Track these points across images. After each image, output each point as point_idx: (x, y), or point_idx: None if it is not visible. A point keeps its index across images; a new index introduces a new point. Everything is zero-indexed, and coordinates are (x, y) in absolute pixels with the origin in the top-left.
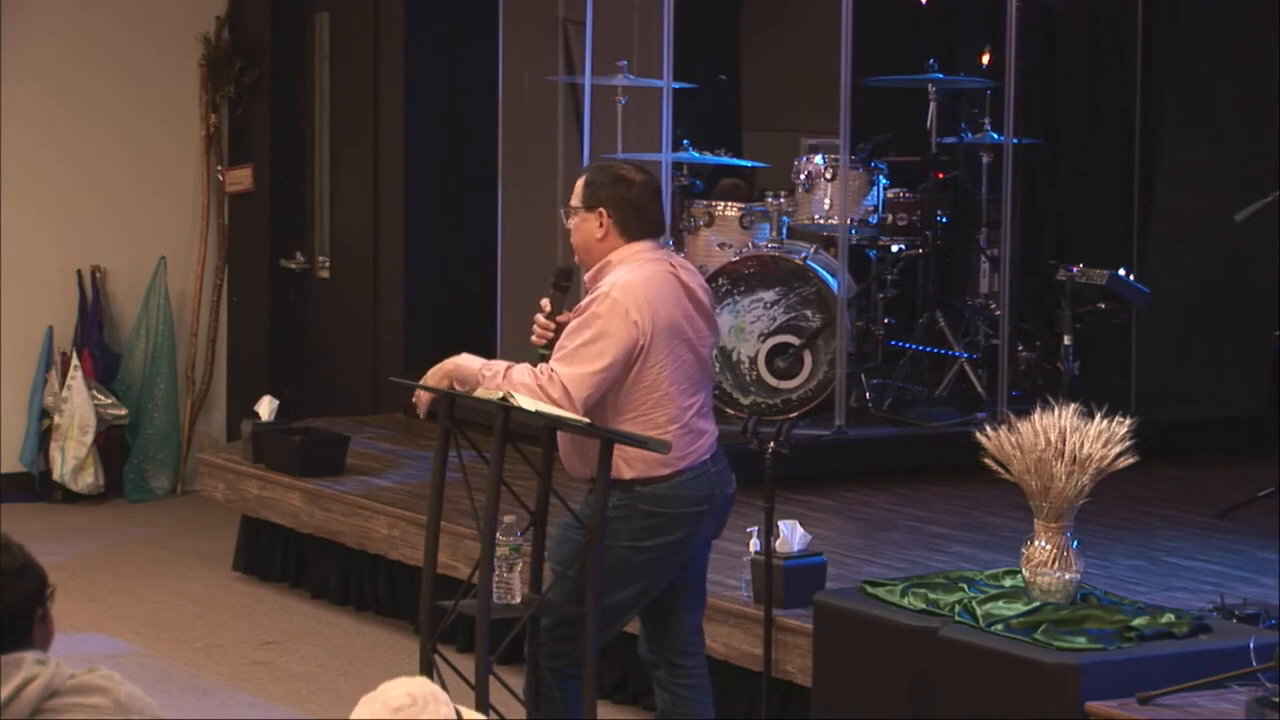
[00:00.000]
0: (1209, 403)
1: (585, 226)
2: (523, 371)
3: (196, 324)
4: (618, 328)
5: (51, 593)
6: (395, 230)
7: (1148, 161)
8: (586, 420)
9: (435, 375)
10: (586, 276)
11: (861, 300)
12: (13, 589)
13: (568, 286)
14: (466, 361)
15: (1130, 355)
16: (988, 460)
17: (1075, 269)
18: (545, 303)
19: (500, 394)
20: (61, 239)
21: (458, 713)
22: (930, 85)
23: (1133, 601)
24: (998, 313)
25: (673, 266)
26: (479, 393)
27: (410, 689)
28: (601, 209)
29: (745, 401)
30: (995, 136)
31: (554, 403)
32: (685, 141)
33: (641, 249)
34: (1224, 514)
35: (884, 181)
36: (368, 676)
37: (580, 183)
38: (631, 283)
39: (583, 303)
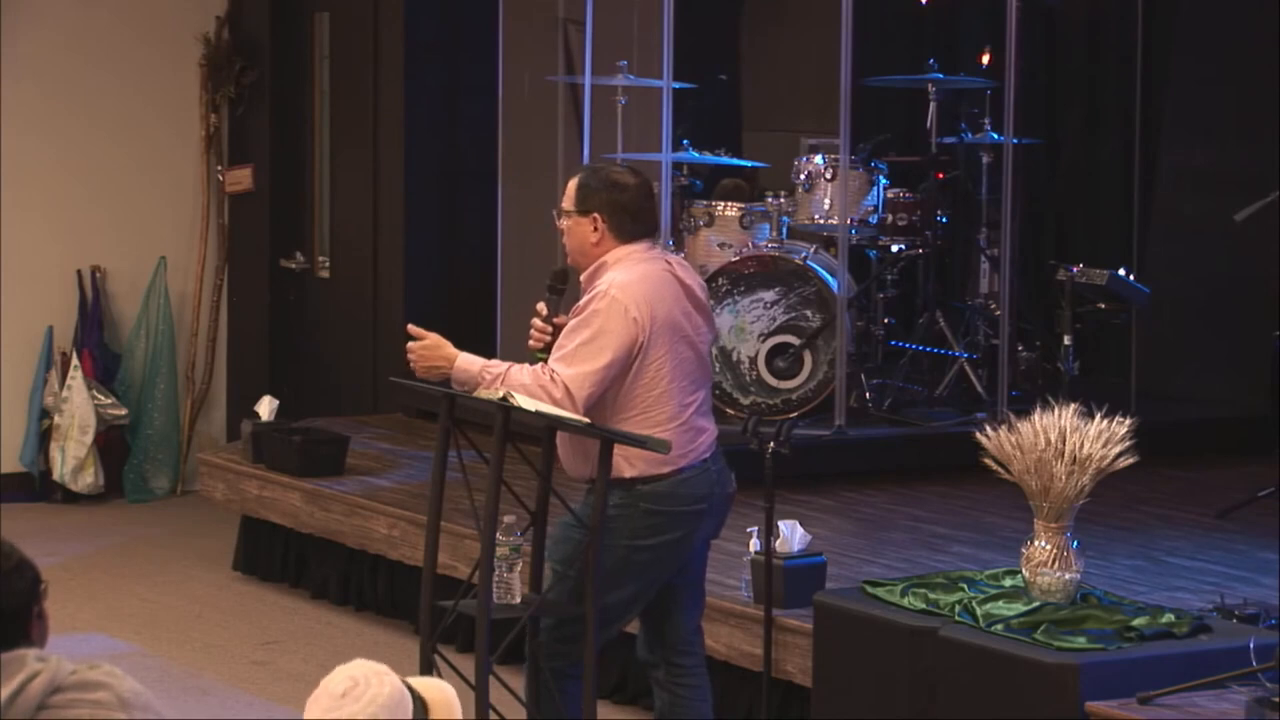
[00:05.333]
0: (1209, 403)
1: (579, 230)
2: (523, 372)
3: (196, 324)
4: (617, 325)
5: (45, 589)
6: (395, 230)
7: (1148, 161)
8: (586, 420)
9: (433, 356)
10: (582, 277)
11: (861, 300)
12: (10, 587)
13: (563, 289)
14: (467, 363)
15: (1130, 355)
16: (988, 460)
17: (1075, 269)
18: (541, 306)
19: (500, 394)
20: (61, 239)
21: (406, 683)
22: (930, 85)
23: (1133, 601)
24: (998, 313)
25: (669, 264)
26: (479, 393)
27: (351, 672)
28: (596, 214)
29: (745, 401)
30: (995, 136)
31: (556, 403)
32: (685, 141)
33: (636, 249)
34: (1224, 514)
35: (884, 181)
36: None
37: (572, 186)
38: (629, 281)
39: (581, 302)
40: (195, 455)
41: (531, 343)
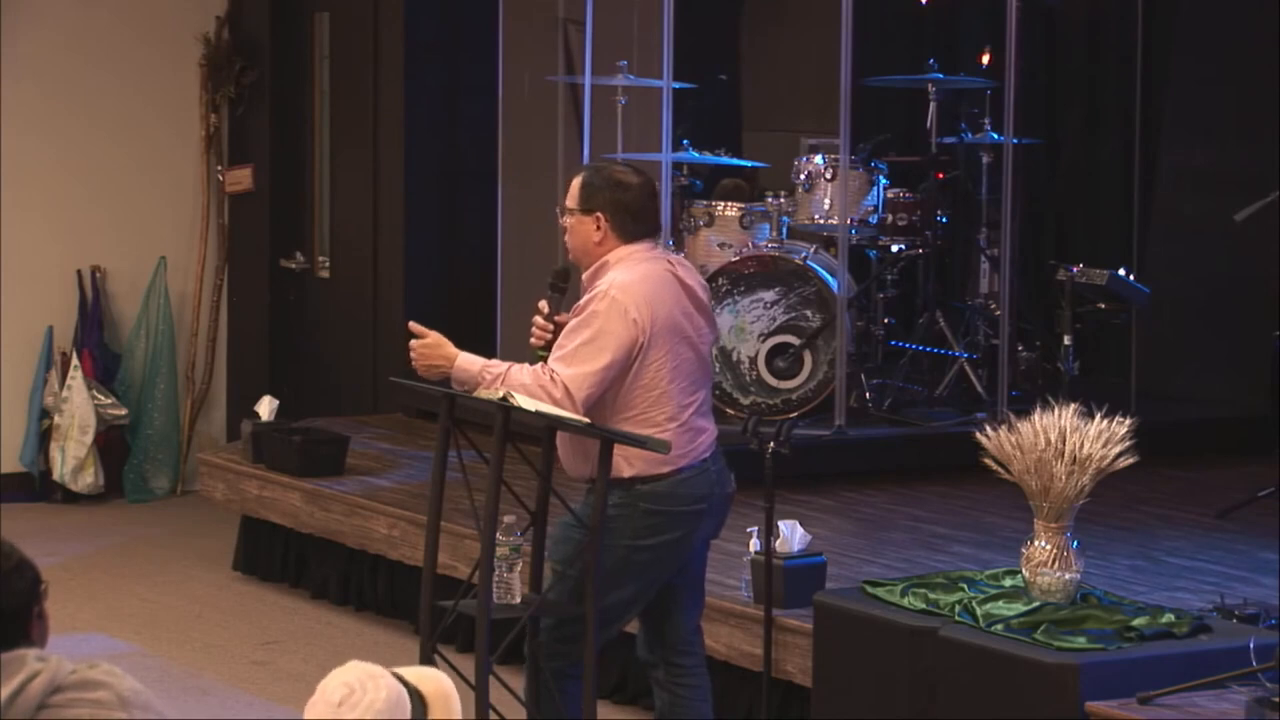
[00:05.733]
0: (1209, 403)
1: (582, 229)
2: (523, 372)
3: (196, 324)
4: (617, 326)
5: (45, 589)
6: (395, 230)
7: (1148, 161)
8: (586, 420)
9: (434, 355)
10: (584, 277)
11: (861, 300)
12: (10, 586)
13: (565, 288)
14: (467, 362)
15: (1130, 355)
16: (988, 460)
17: (1075, 269)
18: (543, 304)
19: (500, 394)
20: (61, 239)
21: (401, 678)
22: (930, 85)
23: (1133, 601)
24: (998, 313)
25: (671, 265)
26: (479, 392)
27: (345, 678)
28: (599, 213)
29: (745, 401)
30: (995, 136)
31: (555, 403)
32: (685, 141)
33: (638, 249)
34: (1224, 514)
35: (884, 181)
36: None
37: (576, 184)
38: (630, 281)
39: (581, 302)
40: (195, 455)
41: (533, 340)
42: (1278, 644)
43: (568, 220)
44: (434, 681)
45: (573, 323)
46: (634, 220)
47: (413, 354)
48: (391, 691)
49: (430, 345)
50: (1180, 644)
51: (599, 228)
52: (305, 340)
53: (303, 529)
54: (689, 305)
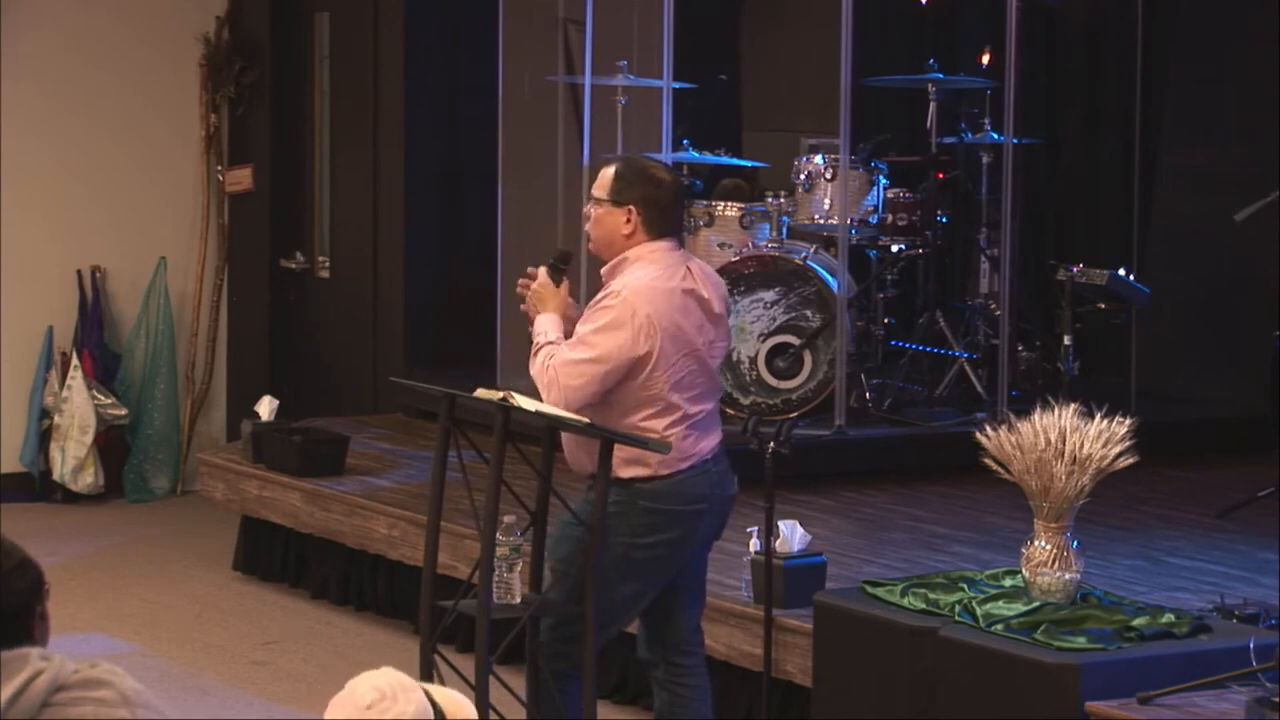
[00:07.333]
0: (1209, 403)
1: (611, 221)
2: (549, 353)
3: (196, 324)
4: (623, 326)
5: (47, 589)
6: (395, 230)
7: (1148, 161)
8: (586, 420)
9: (535, 301)
10: (603, 271)
11: (861, 300)
12: (11, 586)
13: (564, 270)
14: (544, 324)
15: (1130, 355)
16: (988, 460)
17: (1075, 269)
18: (542, 271)
19: (500, 394)
20: (61, 239)
21: (428, 694)
22: (930, 85)
23: (1133, 601)
24: (998, 313)
25: (690, 272)
26: (479, 393)
27: (377, 683)
28: (631, 206)
29: (745, 401)
30: (995, 136)
31: (547, 382)
32: (685, 141)
33: (661, 248)
34: (1224, 514)
35: (884, 181)
36: None
37: (609, 174)
38: (644, 288)
39: (597, 297)
40: (195, 455)
41: (520, 291)
42: (1278, 644)
43: (596, 210)
44: (458, 707)
45: (585, 315)
46: (662, 217)
47: (524, 290)
48: (420, 706)
49: (537, 289)
50: (1180, 644)
51: (629, 220)
52: (305, 340)
53: (303, 529)
54: (702, 318)
